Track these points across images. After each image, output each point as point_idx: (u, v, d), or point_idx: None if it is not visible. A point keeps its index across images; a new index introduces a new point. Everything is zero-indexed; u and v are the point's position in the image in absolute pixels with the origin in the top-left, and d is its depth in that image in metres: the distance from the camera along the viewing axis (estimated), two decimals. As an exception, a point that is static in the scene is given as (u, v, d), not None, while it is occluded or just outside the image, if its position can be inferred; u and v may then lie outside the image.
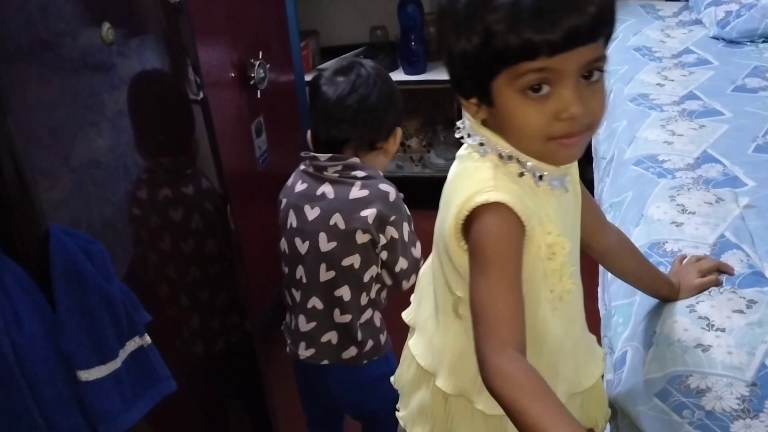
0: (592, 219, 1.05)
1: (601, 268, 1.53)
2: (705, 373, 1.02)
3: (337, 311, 1.37)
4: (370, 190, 1.33)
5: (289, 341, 1.46)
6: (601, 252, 1.11)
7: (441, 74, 2.71)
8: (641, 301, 1.22)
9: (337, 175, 1.36)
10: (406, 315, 1.14)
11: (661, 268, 1.24)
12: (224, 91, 1.79)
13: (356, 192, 1.33)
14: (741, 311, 1.11)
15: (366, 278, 1.36)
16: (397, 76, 2.76)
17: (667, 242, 1.30)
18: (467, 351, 0.89)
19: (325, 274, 1.36)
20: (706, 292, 1.15)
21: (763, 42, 2.22)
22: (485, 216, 0.83)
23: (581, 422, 1.02)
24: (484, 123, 0.89)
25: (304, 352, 1.41)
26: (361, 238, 1.33)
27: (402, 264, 1.37)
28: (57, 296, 0.88)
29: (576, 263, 0.97)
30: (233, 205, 1.57)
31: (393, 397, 1.18)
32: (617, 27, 2.49)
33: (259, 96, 1.90)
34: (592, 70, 0.82)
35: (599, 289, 1.53)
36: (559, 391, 0.94)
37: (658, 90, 1.96)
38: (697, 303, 1.14)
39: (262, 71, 1.90)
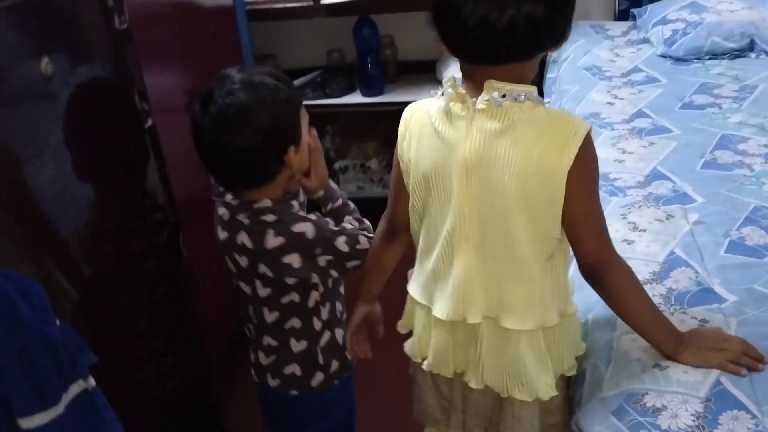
0: None
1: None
2: (661, 391, 1.03)
3: (293, 341, 1.35)
4: (285, 237, 1.23)
5: (254, 372, 1.43)
6: None
7: (398, 96, 2.73)
8: (595, 319, 1.23)
9: (248, 221, 1.25)
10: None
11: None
12: (177, 117, 1.76)
13: (272, 241, 1.23)
14: (695, 331, 1.13)
15: (311, 304, 1.32)
16: (355, 98, 2.77)
17: (619, 260, 1.32)
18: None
19: (269, 315, 1.33)
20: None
21: (710, 59, 2.28)
22: (588, 143, 0.96)
23: (550, 352, 1.09)
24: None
25: (272, 382, 1.39)
26: (292, 280, 1.28)
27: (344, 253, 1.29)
28: (-4, 339, 0.85)
29: None
30: (188, 232, 1.55)
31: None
32: (568, 48, 2.50)
33: (213, 121, 1.88)
34: None
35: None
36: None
37: (609, 109, 2.00)
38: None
39: (215, 96, 1.88)
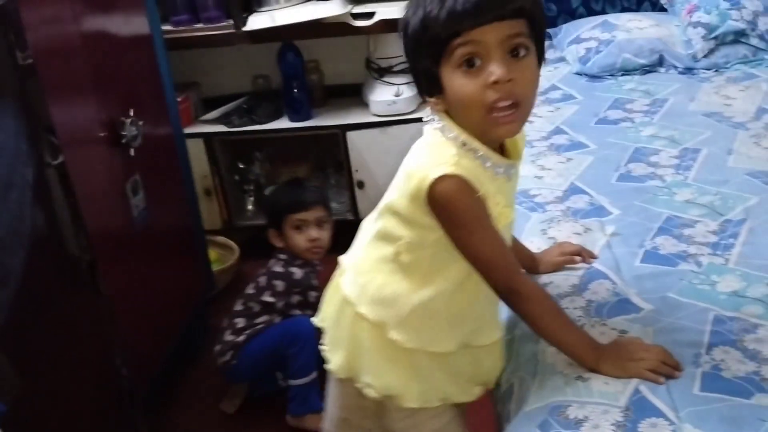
0: None
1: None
2: (582, 402, 1.05)
3: None
4: None
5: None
6: None
7: (326, 120, 2.73)
8: (521, 334, 1.24)
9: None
10: (341, 259, 1.26)
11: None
12: (93, 151, 1.71)
13: None
14: (614, 341, 1.15)
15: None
16: (282, 123, 2.76)
17: (540, 277, 1.34)
18: (393, 289, 1.13)
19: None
20: (579, 324, 1.18)
21: (622, 75, 2.36)
22: (447, 185, 1.01)
23: (476, 373, 1.20)
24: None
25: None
26: None
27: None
28: None
29: (509, 240, 1.17)
30: (107, 268, 1.51)
31: None
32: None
33: (133, 154, 1.84)
34: (517, 47, 0.99)
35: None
36: (458, 336, 1.15)
37: (528, 126, 1.98)
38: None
39: (134, 128, 1.83)
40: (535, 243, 1.44)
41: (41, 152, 1.28)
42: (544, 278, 1.34)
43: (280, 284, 2.02)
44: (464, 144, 1.04)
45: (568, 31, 2.59)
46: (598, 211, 1.55)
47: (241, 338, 2.01)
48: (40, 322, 1.26)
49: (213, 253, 2.66)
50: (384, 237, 1.14)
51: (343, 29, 2.59)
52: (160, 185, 2.06)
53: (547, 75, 2.43)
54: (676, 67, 2.36)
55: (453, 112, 1.05)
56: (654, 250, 1.38)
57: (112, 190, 1.77)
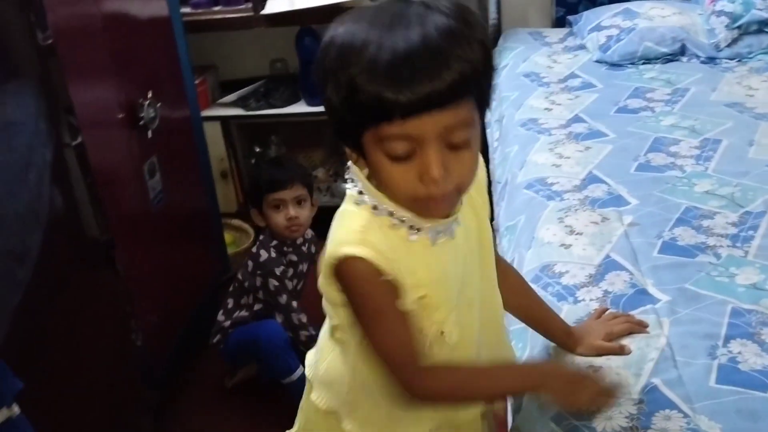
0: None
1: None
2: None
3: None
4: None
5: None
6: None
7: (341, 105, 2.72)
8: (535, 324, 1.24)
9: None
10: None
11: (550, 290, 1.27)
12: (112, 132, 1.72)
13: None
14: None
15: None
16: (299, 107, 2.75)
17: (556, 264, 1.34)
18: (337, 370, 1.00)
19: None
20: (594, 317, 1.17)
21: (643, 64, 2.33)
22: (349, 268, 0.86)
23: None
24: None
25: None
26: None
27: None
28: None
29: (472, 304, 0.97)
30: (125, 249, 1.52)
31: None
32: (507, 55, 2.53)
33: (150, 136, 1.85)
34: (458, 139, 0.81)
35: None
36: (425, 421, 1.00)
37: (546, 114, 2.03)
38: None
39: (152, 110, 1.84)
40: (551, 231, 1.43)
41: (60, 133, 1.29)
42: (559, 267, 1.33)
43: (249, 264, 2.01)
44: (380, 210, 0.88)
45: (588, 18, 2.56)
46: (616, 200, 1.54)
47: (227, 323, 2.02)
48: (58, 300, 1.27)
49: (228, 236, 2.67)
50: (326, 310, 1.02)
51: (362, 14, 2.58)
52: (176, 167, 2.07)
53: (567, 62, 2.41)
54: (698, 57, 2.33)
55: (376, 180, 0.88)
56: (672, 241, 1.37)
57: (129, 172, 1.78)
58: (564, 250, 1.38)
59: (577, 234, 1.42)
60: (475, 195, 0.97)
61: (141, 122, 1.80)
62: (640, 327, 1.13)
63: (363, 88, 0.77)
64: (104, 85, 1.69)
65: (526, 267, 1.39)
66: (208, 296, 2.28)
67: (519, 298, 1.10)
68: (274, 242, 2.01)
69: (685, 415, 0.98)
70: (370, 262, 0.85)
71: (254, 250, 2.02)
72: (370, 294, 0.88)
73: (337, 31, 0.82)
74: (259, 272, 1.98)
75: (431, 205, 0.85)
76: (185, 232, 2.16)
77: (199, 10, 2.66)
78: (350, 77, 0.78)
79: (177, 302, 2.05)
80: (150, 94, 1.84)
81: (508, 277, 1.08)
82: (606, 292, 1.24)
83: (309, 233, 2.07)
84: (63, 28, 1.42)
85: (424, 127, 0.79)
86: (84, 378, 1.31)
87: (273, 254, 1.99)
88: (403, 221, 0.88)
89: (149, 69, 1.96)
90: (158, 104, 1.86)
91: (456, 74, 0.77)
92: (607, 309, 1.18)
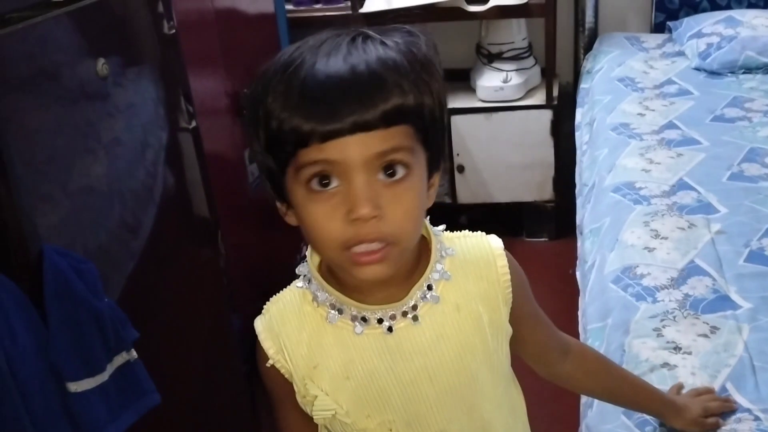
0: (536, 350, 0.90)
1: (580, 288, 1.58)
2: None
3: None
4: None
5: None
6: (557, 378, 0.94)
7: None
8: (613, 324, 1.27)
9: None
10: None
11: (630, 290, 1.29)
12: (218, 119, 1.85)
13: None
14: (706, 335, 1.16)
15: None
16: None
17: (638, 266, 1.36)
18: None
19: None
20: (671, 317, 1.19)
21: (743, 73, 2.28)
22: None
23: None
24: None
25: None
26: None
27: None
28: (49, 312, 0.93)
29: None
30: (225, 228, 1.63)
31: None
32: (602, 59, 2.51)
33: (252, 124, 1.97)
34: (392, 165, 0.68)
35: (579, 313, 1.57)
36: None
37: (639, 120, 2.03)
38: (663, 327, 1.18)
39: (255, 100, 1.96)
40: (636, 233, 1.45)
41: (176, 117, 1.41)
42: (651, 263, 1.34)
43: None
44: (309, 282, 0.77)
45: (689, 24, 2.53)
46: (705, 208, 1.53)
47: None
48: (165, 271, 1.38)
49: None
50: None
51: (457, 14, 2.63)
52: (273, 156, 2.18)
53: (664, 68, 2.39)
54: (801, 68, 2.26)
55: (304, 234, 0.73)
56: (760, 251, 1.36)
57: (232, 157, 1.90)
58: (647, 253, 1.39)
59: (662, 238, 1.43)
60: (489, 288, 0.79)
61: (244, 111, 1.92)
62: (731, 406, 1.04)
63: (276, 113, 0.66)
64: (214, 74, 1.81)
65: (608, 268, 1.41)
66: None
67: (603, 380, 0.96)
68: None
69: (756, 418, 0.99)
70: (261, 339, 0.79)
71: None
72: (262, 375, 0.81)
73: (264, 65, 0.71)
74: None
75: (361, 261, 0.68)
76: (278, 217, 2.27)
77: (301, 8, 2.78)
78: (265, 106, 0.68)
79: (267, 281, 2.16)
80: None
81: (585, 362, 0.94)
82: (686, 296, 1.25)
83: None
84: (182, 20, 1.54)
85: (346, 151, 0.66)
86: (183, 341, 1.42)
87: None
88: (325, 298, 0.76)
89: (253, 62, 2.06)
90: (261, 95, 1.97)
91: (390, 104, 0.66)
92: (681, 386, 1.08)
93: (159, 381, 1.09)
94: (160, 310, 1.35)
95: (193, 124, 1.42)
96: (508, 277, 0.79)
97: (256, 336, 0.79)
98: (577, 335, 1.50)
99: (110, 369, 0.97)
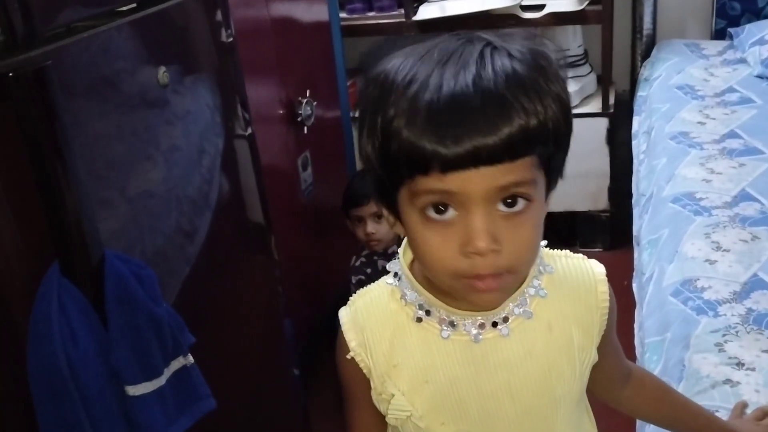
0: (604, 376, 0.85)
1: (637, 300, 1.55)
2: (731, 409, 1.03)
3: None
4: None
5: None
6: (614, 403, 0.91)
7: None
8: (672, 338, 1.23)
9: None
10: None
11: (690, 304, 1.25)
12: (273, 127, 1.87)
13: None
14: (770, 351, 1.12)
15: None
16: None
17: (698, 279, 1.32)
18: None
19: None
20: (733, 332, 1.16)
21: (809, 81, 2.21)
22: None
23: None
24: None
25: None
26: None
27: None
28: (109, 316, 0.95)
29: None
30: (278, 235, 1.64)
31: None
32: (660, 66, 2.46)
33: (305, 132, 1.98)
34: (515, 197, 0.65)
35: (635, 326, 1.54)
36: None
37: (699, 128, 1.97)
38: (726, 342, 1.15)
39: (309, 108, 1.98)
40: (696, 246, 1.41)
41: (233, 124, 1.43)
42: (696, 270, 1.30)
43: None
44: (408, 302, 0.75)
45: (751, 31, 2.45)
46: (769, 220, 1.48)
47: None
48: (220, 276, 1.40)
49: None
50: None
51: (512, 21, 2.61)
52: (326, 163, 2.20)
53: (724, 76, 2.32)
54: None
55: (413, 254, 0.73)
56: (828, 266, 1.31)
57: (285, 164, 1.92)
58: (708, 265, 1.35)
59: (724, 251, 1.39)
60: (585, 312, 0.77)
61: (298, 119, 1.94)
62: None
63: (398, 133, 0.63)
64: (269, 82, 1.83)
65: (667, 281, 1.38)
66: (348, 287, 2.39)
67: (662, 407, 0.92)
68: (366, 251, 1.98)
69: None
70: (345, 330, 0.77)
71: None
72: (338, 366, 0.80)
73: (382, 66, 0.68)
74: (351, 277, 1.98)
75: (477, 287, 0.66)
76: (330, 224, 2.28)
77: (355, 15, 2.79)
78: (385, 120, 0.65)
79: (319, 289, 2.17)
80: (308, 93, 1.97)
81: (644, 389, 0.91)
82: (750, 310, 1.21)
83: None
84: (239, 28, 1.56)
85: (468, 184, 0.63)
86: (237, 346, 1.44)
87: (357, 262, 1.97)
88: (432, 314, 0.74)
89: (308, 70, 2.10)
90: (314, 103, 1.99)
91: (516, 129, 0.62)
92: (744, 405, 1.02)
93: (213, 386, 1.11)
94: (214, 315, 1.37)
95: (249, 131, 1.44)
96: (607, 304, 0.77)
97: (339, 327, 0.78)
98: (632, 348, 1.46)
99: (167, 373, 0.99)
